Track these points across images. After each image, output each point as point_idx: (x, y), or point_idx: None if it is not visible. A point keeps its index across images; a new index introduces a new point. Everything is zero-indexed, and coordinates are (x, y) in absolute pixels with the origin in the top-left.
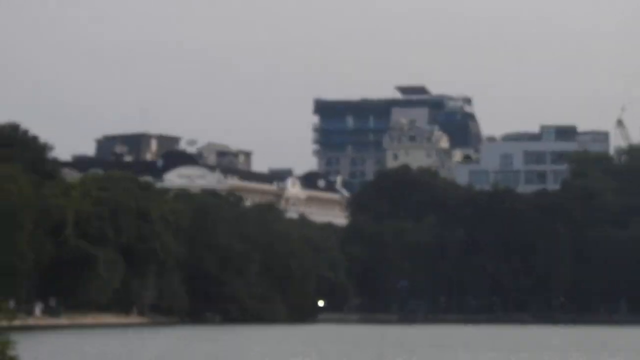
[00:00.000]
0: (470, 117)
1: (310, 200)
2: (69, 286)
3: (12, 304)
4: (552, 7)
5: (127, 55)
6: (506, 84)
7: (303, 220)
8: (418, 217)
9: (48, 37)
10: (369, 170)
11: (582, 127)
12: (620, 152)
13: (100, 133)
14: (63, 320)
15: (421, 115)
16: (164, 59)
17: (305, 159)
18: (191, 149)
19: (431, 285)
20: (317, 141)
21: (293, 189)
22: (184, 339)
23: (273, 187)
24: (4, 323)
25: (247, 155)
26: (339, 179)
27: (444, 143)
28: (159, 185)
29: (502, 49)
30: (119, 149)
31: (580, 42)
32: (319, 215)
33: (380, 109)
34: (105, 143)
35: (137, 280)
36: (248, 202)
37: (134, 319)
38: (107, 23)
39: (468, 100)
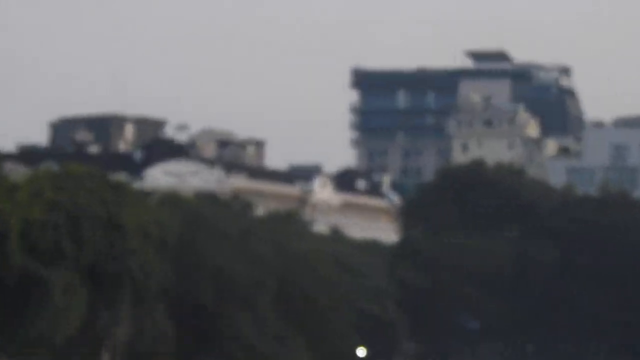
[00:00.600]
0: (569, 93)
1: (346, 207)
2: (12, 320)
3: None
4: None
5: (93, 13)
6: (619, 49)
7: (336, 234)
8: (495, 231)
9: None
10: (428, 167)
11: None
12: None
13: (56, 115)
14: None
15: (501, 91)
16: (144, 17)
17: (339, 152)
18: (181, 137)
19: (512, 326)
20: (356, 126)
21: (322, 192)
22: None
23: (295, 189)
24: None
25: (259, 145)
26: (386, 179)
27: (533, 129)
28: (136, 185)
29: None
30: (82, 136)
31: None
32: (359, 229)
33: (443, 82)
34: (63, 128)
35: (106, 312)
36: (260, 210)
37: None
38: None
39: (566, 71)
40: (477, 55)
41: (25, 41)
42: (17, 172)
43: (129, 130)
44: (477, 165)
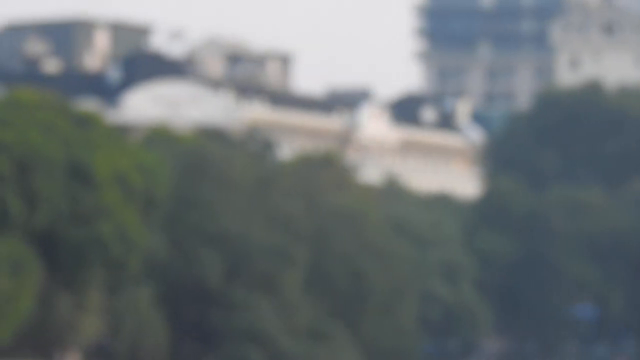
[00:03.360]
0: None
1: (406, 147)
2: None
3: None
4: None
5: None
6: None
7: (393, 185)
8: (616, 180)
9: None
10: (523, 90)
11: None
12: None
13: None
14: None
15: None
16: None
17: (397, 69)
18: (175, 50)
19: (639, 313)
20: (423, 33)
21: (374, 126)
22: None
23: (334, 122)
24: None
25: (284, 61)
26: (463, 108)
27: None
28: (111, 117)
29: None
30: (36, 47)
31: None
32: (424, 178)
33: None
34: (9, 38)
35: (70, 299)
36: (286, 151)
37: None
38: None
39: None
40: None
41: None
42: None
43: (101, 40)
44: (593, 88)
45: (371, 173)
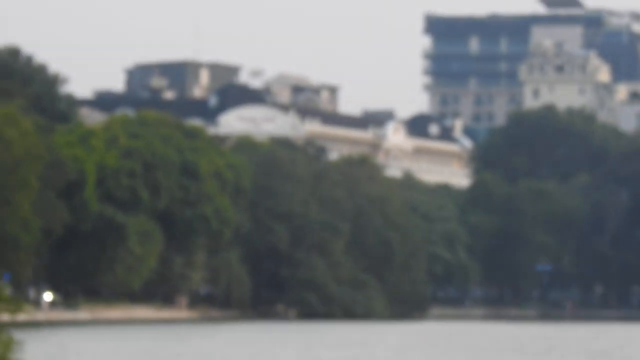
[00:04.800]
0: None
1: (418, 152)
2: (89, 267)
3: (12, 290)
4: None
5: None
6: None
7: (408, 179)
8: (566, 176)
9: None
10: (500, 113)
11: None
12: None
13: (131, 61)
14: (81, 313)
15: (572, 37)
16: None
17: (411, 97)
18: (256, 83)
19: (582, 269)
20: (429, 72)
21: (395, 137)
22: (248, 342)
23: (367, 134)
24: (6, 317)
25: (333, 91)
26: (458, 124)
27: (604, 75)
28: (211, 131)
29: None
30: (157, 82)
31: None
32: (431, 174)
33: (515, 28)
34: (139, 74)
35: (182, 259)
36: (333, 155)
37: (178, 312)
38: None
39: (637, 16)
40: (549, 1)
41: None
42: (93, 118)
43: (204, 76)
44: (549, 111)
45: (393, 171)
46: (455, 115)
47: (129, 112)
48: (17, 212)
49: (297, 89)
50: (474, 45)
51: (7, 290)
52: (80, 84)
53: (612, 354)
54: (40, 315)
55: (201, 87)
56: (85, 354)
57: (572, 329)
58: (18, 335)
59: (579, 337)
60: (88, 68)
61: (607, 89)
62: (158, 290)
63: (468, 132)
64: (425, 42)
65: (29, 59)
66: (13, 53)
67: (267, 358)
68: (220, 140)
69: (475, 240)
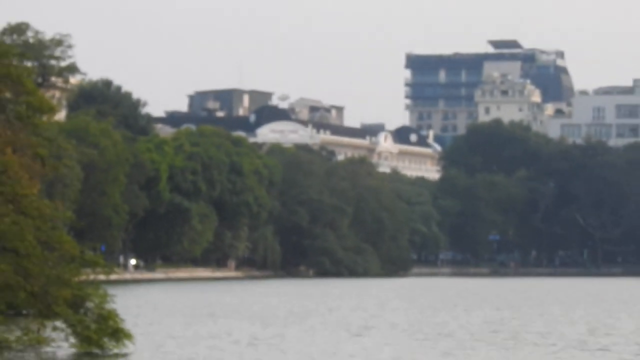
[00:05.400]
0: (563, 70)
1: (402, 154)
2: (163, 239)
3: (106, 257)
4: None
5: (219, 15)
6: (599, 37)
7: (395, 174)
8: (510, 170)
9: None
10: (461, 125)
11: None
12: None
13: (192, 89)
14: (158, 274)
15: (513, 69)
16: (254, 17)
17: (397, 114)
18: (283, 104)
19: (522, 239)
20: (409, 96)
21: (385, 143)
22: (279, 293)
23: (365, 141)
24: (101, 277)
25: (339, 110)
26: (430, 134)
27: (536, 97)
28: (251, 140)
29: (594, 2)
30: (212, 104)
31: None
32: (411, 170)
33: (472, 63)
34: (198, 99)
35: (230, 233)
36: (340, 157)
37: (228, 272)
38: None
39: (561, 54)
40: (496, 43)
41: (169, 30)
42: (165, 131)
43: (246, 100)
44: (496, 124)
45: (384, 168)
46: (429, 127)
47: (191, 127)
48: (110, 200)
49: (313, 108)
50: (442, 76)
51: (103, 257)
52: (156, 106)
53: (542, 298)
54: (127, 276)
55: (244, 108)
56: (160, 303)
57: (514, 282)
58: (110, 290)
59: (519, 288)
60: (161, 94)
61: (539, 107)
62: (213, 257)
63: (438, 139)
64: (406, 74)
65: (118, 88)
66: (107, 84)
67: (293, 305)
68: (258, 146)
69: (444, 218)
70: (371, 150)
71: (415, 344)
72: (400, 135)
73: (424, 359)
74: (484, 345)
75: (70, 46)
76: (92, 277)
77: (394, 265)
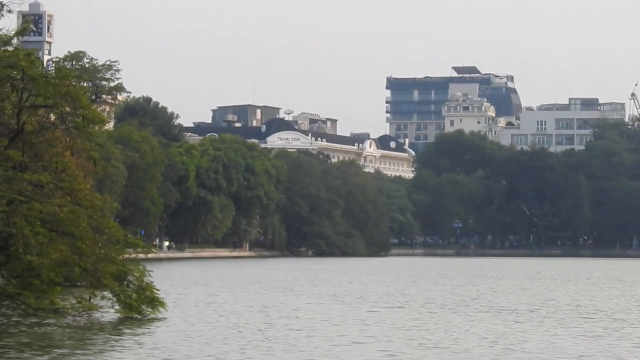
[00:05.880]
0: (513, 91)
1: (383, 158)
2: (191, 226)
3: (144, 240)
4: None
5: (237, 43)
6: (541, 63)
7: (378, 174)
8: (469, 171)
9: (175, 23)
10: (431, 134)
11: (602, 99)
12: (633, 119)
13: (215, 104)
14: (186, 253)
15: (473, 90)
16: (265, 46)
17: (379, 125)
18: (288, 117)
19: (480, 226)
20: (389, 111)
21: (370, 149)
22: (285, 269)
23: (354, 147)
24: (141, 255)
25: (334, 122)
26: (406, 141)
27: (491, 112)
28: (262, 146)
29: (539, 33)
30: (231, 117)
31: (599, 23)
32: (391, 170)
33: (440, 85)
34: (220, 112)
35: (245, 221)
36: (334, 160)
37: (242, 252)
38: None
39: (511, 78)
40: (459, 69)
41: (197, 56)
42: (193, 138)
43: (258, 114)
44: (459, 134)
45: (369, 169)
46: (405, 136)
47: (214, 135)
48: (148, 194)
49: (313, 120)
50: (415, 95)
51: (142, 240)
52: (186, 118)
53: (494, 272)
54: (161, 255)
55: (256, 120)
56: (188, 277)
57: (474, 260)
58: (148, 266)
59: (477, 265)
60: (190, 108)
61: (493, 120)
62: (231, 240)
63: (412, 146)
64: (387, 93)
65: (156, 104)
66: (147, 100)
67: (295, 277)
68: (268, 151)
69: (417, 209)
70: (359, 154)
71: (394, 312)
72: (382, 142)
73: (401, 323)
74: (449, 312)
75: (118, 70)
76: (133, 255)
77: (376, 247)
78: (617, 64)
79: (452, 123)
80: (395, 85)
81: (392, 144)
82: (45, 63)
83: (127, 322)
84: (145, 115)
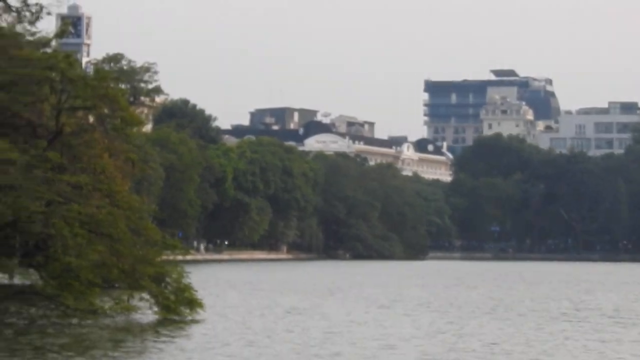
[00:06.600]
0: (551, 94)
1: (421, 161)
2: (228, 228)
3: (183, 242)
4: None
5: (276, 47)
6: (580, 67)
7: (415, 177)
8: (507, 174)
9: (213, 25)
10: (469, 138)
11: None
12: None
13: (253, 107)
14: (224, 255)
15: (511, 93)
16: (304, 50)
17: (417, 128)
18: (326, 120)
19: (518, 230)
20: (427, 114)
21: (407, 152)
22: (322, 272)
23: (391, 150)
24: (178, 257)
25: (371, 125)
26: (444, 144)
27: (530, 116)
28: (300, 148)
29: (579, 36)
30: (268, 119)
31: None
32: (428, 174)
33: (478, 88)
34: (257, 115)
35: (282, 223)
36: (371, 163)
37: (280, 254)
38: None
39: (549, 81)
40: (497, 72)
41: (235, 59)
42: (230, 141)
43: (296, 116)
44: (497, 137)
45: (406, 172)
46: (443, 139)
47: (252, 137)
48: (186, 196)
49: (350, 123)
50: (453, 98)
51: (180, 242)
52: (224, 120)
53: (534, 279)
54: (199, 257)
55: (294, 123)
56: (226, 278)
57: (512, 265)
58: (186, 268)
59: (518, 269)
60: (228, 111)
61: (532, 124)
62: (268, 242)
63: (450, 149)
64: (425, 96)
65: (194, 106)
66: (185, 103)
67: (333, 280)
68: (305, 154)
69: (454, 212)
70: (396, 157)
71: (431, 314)
72: (420, 145)
73: (436, 327)
74: (486, 316)
75: (155, 72)
76: (171, 257)
77: (414, 250)
78: None
79: (490, 126)
80: (434, 88)
81: (430, 147)
82: (83, 65)
83: (165, 324)
84: (183, 117)
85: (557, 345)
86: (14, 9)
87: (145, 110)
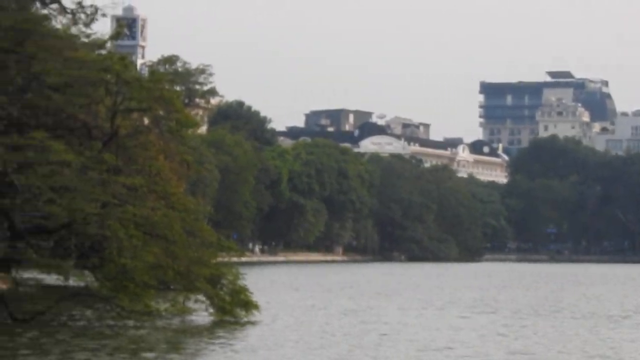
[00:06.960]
0: (607, 96)
1: (476, 163)
2: (283, 229)
3: (238, 244)
4: None
5: (333, 49)
6: (636, 69)
7: (471, 179)
8: (564, 176)
9: (268, 27)
10: (525, 139)
11: None
12: None
13: (308, 109)
14: (279, 257)
15: (567, 95)
16: (360, 53)
17: (473, 130)
18: (381, 122)
19: (574, 231)
20: (483, 115)
21: (463, 153)
22: (378, 274)
23: (447, 152)
24: (234, 259)
25: (427, 126)
26: (500, 146)
27: (586, 117)
28: (355, 150)
29: (635, 37)
30: (324, 121)
31: None
32: (484, 175)
33: (533, 90)
34: (313, 117)
35: (337, 225)
36: (427, 164)
37: (335, 256)
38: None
39: (605, 83)
40: (553, 74)
41: (291, 61)
42: (286, 142)
43: (351, 118)
44: (554, 138)
45: (462, 174)
46: (498, 141)
47: (307, 139)
48: (241, 197)
49: (406, 125)
50: (509, 100)
51: (235, 243)
52: (279, 122)
53: (591, 281)
54: (254, 258)
55: (349, 124)
56: (281, 280)
57: (569, 266)
58: (241, 269)
59: (574, 271)
60: (284, 112)
61: (588, 125)
62: (323, 243)
63: (506, 151)
64: (480, 98)
65: (249, 108)
66: (240, 104)
67: (388, 282)
68: (360, 155)
69: (510, 214)
70: (452, 159)
71: (488, 316)
72: (475, 147)
73: (493, 329)
74: (544, 318)
75: (211, 74)
76: (226, 259)
77: (469, 252)
78: None
79: (546, 128)
80: (489, 89)
81: (486, 149)
82: (138, 67)
83: (220, 325)
84: (238, 119)
85: (614, 348)
86: (69, 11)
87: (200, 112)
